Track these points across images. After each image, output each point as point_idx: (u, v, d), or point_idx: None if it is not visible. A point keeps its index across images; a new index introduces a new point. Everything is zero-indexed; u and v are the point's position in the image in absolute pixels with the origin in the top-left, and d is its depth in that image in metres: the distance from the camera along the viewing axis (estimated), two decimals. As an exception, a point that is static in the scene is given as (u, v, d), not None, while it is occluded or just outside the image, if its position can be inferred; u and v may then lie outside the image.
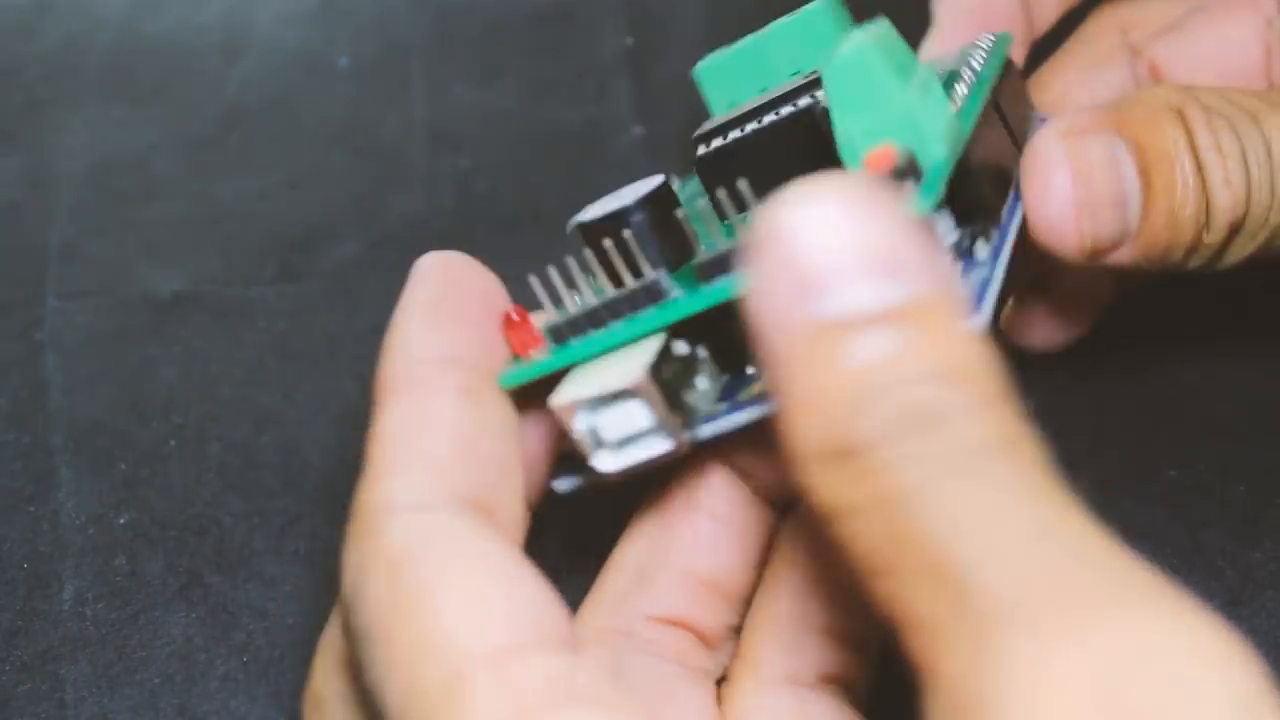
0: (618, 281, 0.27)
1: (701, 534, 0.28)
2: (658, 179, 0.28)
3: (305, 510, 0.37)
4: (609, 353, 0.26)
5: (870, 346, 0.19)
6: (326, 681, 0.25)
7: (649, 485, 0.29)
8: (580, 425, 0.25)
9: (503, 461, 0.25)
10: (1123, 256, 0.28)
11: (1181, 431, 0.36)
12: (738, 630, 0.29)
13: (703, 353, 0.27)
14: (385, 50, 0.50)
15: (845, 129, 0.24)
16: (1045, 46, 0.35)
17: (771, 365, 0.20)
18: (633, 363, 0.25)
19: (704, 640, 0.28)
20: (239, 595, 0.35)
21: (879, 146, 0.24)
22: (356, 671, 0.23)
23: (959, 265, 0.26)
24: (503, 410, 0.26)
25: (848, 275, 0.19)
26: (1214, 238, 0.28)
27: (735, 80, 0.30)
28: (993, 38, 0.30)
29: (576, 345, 0.26)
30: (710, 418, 0.26)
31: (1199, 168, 0.28)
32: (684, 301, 0.25)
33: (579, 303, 0.27)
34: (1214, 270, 0.29)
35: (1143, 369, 0.37)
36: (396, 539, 0.23)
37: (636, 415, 0.25)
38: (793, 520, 0.29)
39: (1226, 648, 0.16)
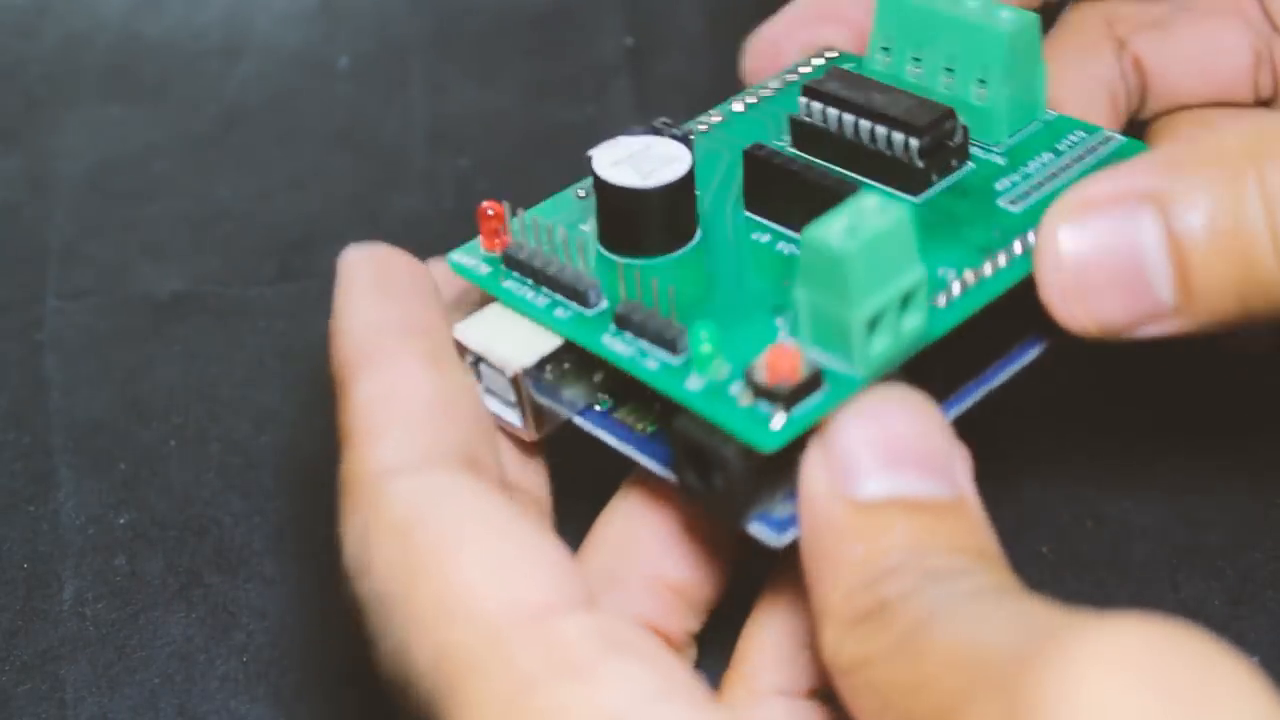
0: (609, 244, 0.27)
1: (670, 539, 0.28)
2: (684, 166, 0.27)
3: (305, 510, 0.36)
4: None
5: (897, 528, 0.22)
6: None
7: (619, 480, 0.29)
8: (468, 361, 0.26)
9: (479, 419, 0.25)
10: (1170, 328, 0.25)
11: (1181, 431, 0.36)
12: (698, 637, 0.29)
13: None
14: (385, 50, 0.50)
15: (797, 295, 0.24)
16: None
17: (804, 537, 0.23)
18: (526, 347, 0.26)
19: (669, 645, 0.28)
20: (239, 595, 0.35)
21: (785, 345, 0.23)
22: (370, 643, 0.23)
23: None
24: (466, 374, 0.26)
25: (881, 469, 0.22)
26: None
27: (902, 27, 0.29)
28: (1116, 142, 0.28)
29: (509, 286, 0.27)
30: (588, 412, 0.27)
31: None
32: (585, 331, 0.25)
33: (565, 232, 0.26)
34: None
35: (1143, 369, 0.37)
36: (399, 502, 0.22)
37: (507, 389, 0.26)
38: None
39: (1182, 628, 0.18)
